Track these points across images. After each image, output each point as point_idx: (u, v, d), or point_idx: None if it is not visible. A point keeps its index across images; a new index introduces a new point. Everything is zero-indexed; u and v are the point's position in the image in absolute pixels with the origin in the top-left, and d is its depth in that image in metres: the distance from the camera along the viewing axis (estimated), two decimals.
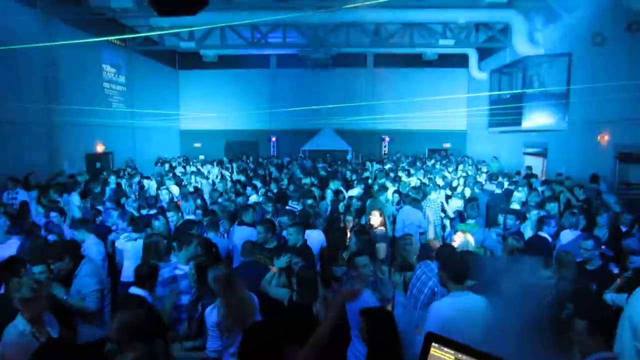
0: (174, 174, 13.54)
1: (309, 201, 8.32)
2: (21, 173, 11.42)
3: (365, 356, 3.34)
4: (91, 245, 5.91)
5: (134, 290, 4.24)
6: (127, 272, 5.96)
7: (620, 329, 3.68)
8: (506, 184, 11.72)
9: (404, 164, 17.81)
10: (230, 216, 7.59)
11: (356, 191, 10.55)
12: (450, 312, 3.41)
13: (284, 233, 6.33)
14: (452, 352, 1.50)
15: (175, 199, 9.50)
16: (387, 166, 16.85)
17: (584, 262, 5.15)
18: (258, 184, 11.50)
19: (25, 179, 11.12)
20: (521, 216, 7.44)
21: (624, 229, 6.81)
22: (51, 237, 6.28)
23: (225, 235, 6.96)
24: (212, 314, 3.84)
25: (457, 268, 3.66)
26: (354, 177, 13.82)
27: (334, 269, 6.11)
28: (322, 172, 15.04)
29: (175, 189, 10.73)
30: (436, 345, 1.52)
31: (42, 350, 2.90)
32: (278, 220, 7.06)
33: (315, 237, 6.39)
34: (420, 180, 12.30)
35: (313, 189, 10.24)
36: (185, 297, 4.70)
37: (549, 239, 6.38)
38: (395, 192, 10.15)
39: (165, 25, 16.32)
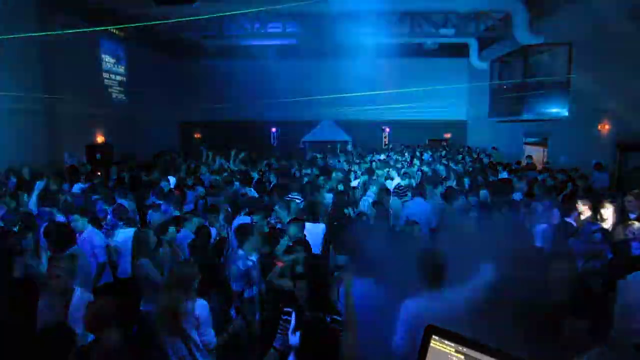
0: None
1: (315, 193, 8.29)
2: (21, 164, 11.48)
3: None
4: (92, 234, 5.96)
5: None
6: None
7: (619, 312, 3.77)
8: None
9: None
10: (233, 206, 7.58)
11: (355, 182, 10.49)
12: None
13: (279, 225, 6.33)
14: (452, 344, 1.50)
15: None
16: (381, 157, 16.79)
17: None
18: (255, 175, 11.41)
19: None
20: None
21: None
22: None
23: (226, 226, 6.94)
24: None
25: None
26: (354, 167, 13.78)
27: (338, 258, 6.09)
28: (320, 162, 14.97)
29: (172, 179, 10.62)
30: (437, 337, 1.52)
31: None
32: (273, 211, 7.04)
33: (316, 231, 6.22)
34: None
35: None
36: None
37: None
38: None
39: (165, 14, 16.19)
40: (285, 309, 3.72)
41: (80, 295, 3.95)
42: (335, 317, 3.43)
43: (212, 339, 3.76)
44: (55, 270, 3.89)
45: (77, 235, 5.92)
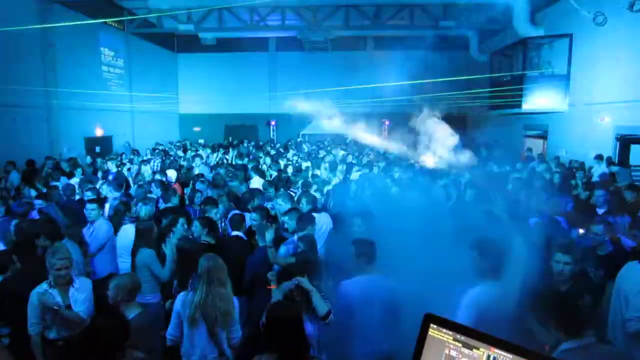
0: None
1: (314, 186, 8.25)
2: (20, 157, 11.49)
3: None
4: (101, 225, 5.99)
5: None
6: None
7: (615, 302, 3.82)
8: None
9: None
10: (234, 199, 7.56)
11: (356, 176, 10.46)
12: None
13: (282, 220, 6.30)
14: (450, 332, 1.51)
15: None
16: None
17: (594, 248, 4.90)
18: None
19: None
20: None
21: None
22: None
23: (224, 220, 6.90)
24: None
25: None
26: (354, 160, 13.76)
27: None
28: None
29: (172, 174, 10.60)
30: (434, 326, 1.53)
31: None
32: (272, 205, 7.01)
33: (322, 221, 6.09)
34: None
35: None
36: None
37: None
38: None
39: (163, 7, 16.14)
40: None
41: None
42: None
43: (239, 334, 3.87)
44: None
45: (89, 223, 6.03)
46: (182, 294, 3.89)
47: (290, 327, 2.91)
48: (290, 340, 2.89)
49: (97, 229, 5.97)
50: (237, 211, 6.35)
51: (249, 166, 11.43)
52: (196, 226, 5.40)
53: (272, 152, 16.13)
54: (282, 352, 2.85)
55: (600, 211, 6.46)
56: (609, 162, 11.50)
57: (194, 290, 3.72)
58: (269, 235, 5.00)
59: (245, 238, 5.60)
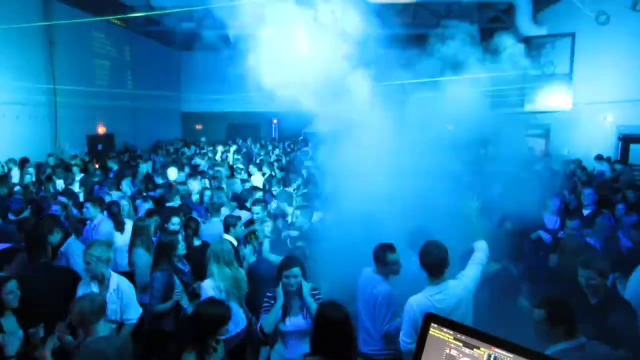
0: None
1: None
2: (22, 154, 11.56)
3: None
4: (102, 223, 5.98)
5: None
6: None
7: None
8: None
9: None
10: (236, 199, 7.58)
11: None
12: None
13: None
14: (451, 332, 1.52)
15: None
16: None
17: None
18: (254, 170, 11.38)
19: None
20: None
21: None
22: None
23: None
24: None
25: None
26: None
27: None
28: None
29: (173, 173, 10.53)
30: (435, 325, 1.55)
31: None
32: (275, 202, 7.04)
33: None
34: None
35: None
36: None
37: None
38: None
39: (166, 5, 16.10)
40: (267, 294, 3.85)
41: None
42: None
43: None
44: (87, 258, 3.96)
45: (88, 222, 6.05)
46: None
47: (341, 328, 2.85)
48: (340, 341, 2.81)
49: (98, 226, 5.96)
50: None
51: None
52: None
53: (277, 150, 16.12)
54: (331, 354, 2.77)
55: (586, 211, 6.46)
56: (611, 161, 11.49)
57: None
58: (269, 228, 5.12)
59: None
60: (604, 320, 3.24)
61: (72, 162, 12.07)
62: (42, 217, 5.72)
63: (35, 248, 4.33)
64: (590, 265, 3.54)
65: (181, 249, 4.79)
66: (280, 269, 3.78)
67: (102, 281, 3.97)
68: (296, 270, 3.73)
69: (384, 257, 3.90)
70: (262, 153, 16.12)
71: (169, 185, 8.52)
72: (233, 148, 16.02)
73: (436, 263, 3.43)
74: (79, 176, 9.94)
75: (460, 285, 3.52)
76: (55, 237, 4.85)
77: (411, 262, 3.91)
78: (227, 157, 14.75)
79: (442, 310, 3.28)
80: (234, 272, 4.30)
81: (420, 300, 3.37)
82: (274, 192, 8.02)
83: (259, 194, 7.38)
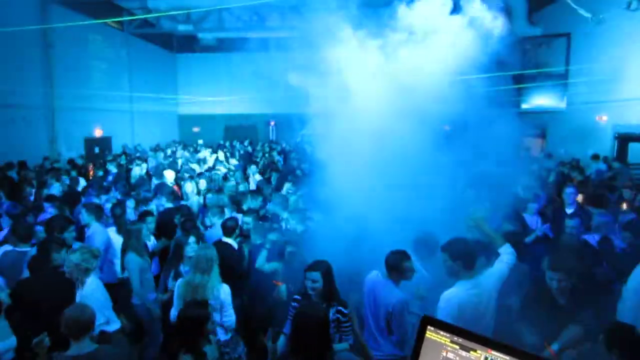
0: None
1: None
2: (20, 157, 11.56)
3: None
4: (97, 232, 5.81)
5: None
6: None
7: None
8: None
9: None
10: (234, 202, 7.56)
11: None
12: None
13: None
14: (447, 335, 1.54)
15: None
16: None
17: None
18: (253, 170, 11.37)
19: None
20: None
21: None
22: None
23: None
24: None
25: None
26: None
27: None
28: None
29: (170, 175, 10.46)
30: (432, 328, 1.56)
31: None
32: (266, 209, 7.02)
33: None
34: None
35: None
36: None
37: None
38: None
39: (162, 7, 16.10)
40: (295, 297, 3.79)
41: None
42: (341, 308, 3.56)
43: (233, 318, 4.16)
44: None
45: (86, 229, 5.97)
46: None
47: (320, 330, 2.85)
48: (319, 342, 2.82)
49: (92, 236, 5.80)
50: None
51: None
52: None
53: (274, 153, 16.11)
54: (309, 355, 2.78)
55: (569, 209, 6.47)
56: (608, 160, 11.52)
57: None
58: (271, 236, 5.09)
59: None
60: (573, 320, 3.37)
61: (63, 167, 11.97)
62: (47, 219, 5.65)
63: (41, 252, 4.33)
64: (559, 268, 3.59)
65: (189, 250, 4.79)
66: (305, 269, 3.70)
67: (80, 286, 4.00)
68: (316, 275, 3.55)
69: (400, 264, 3.83)
70: (259, 155, 16.11)
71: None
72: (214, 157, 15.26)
73: (469, 252, 3.45)
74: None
75: (490, 279, 3.51)
76: (70, 233, 5.03)
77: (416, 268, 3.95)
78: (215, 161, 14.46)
79: (479, 304, 3.35)
80: (199, 279, 4.10)
81: (460, 295, 3.33)
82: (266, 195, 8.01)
83: (259, 200, 7.36)
